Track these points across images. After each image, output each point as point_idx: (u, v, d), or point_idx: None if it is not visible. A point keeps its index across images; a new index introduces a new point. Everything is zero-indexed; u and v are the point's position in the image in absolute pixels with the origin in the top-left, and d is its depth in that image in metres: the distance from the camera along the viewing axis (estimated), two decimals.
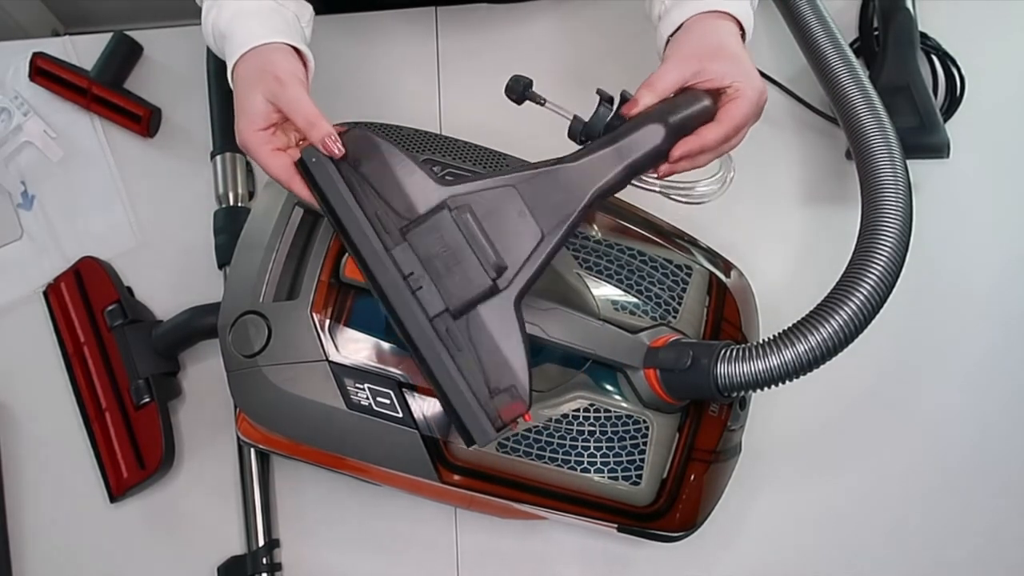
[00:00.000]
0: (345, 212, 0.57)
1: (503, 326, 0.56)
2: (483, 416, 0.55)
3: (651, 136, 0.57)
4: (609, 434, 0.61)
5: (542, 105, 0.61)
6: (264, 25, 0.61)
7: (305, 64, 0.63)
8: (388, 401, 0.61)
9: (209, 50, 0.86)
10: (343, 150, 0.57)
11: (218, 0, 0.63)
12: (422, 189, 0.57)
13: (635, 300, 0.65)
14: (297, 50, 0.62)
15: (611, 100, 0.60)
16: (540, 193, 0.57)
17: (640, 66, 0.83)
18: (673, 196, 0.64)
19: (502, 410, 0.55)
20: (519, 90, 0.61)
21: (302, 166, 0.58)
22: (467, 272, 0.56)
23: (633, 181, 0.59)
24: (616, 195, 0.70)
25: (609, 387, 0.62)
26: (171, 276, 0.82)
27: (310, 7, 0.66)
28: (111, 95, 0.85)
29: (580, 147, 0.59)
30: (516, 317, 0.56)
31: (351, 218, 0.57)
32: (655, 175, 0.60)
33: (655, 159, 0.58)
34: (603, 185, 0.57)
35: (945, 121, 0.81)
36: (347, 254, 0.62)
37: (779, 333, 0.54)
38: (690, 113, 0.59)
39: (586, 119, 0.60)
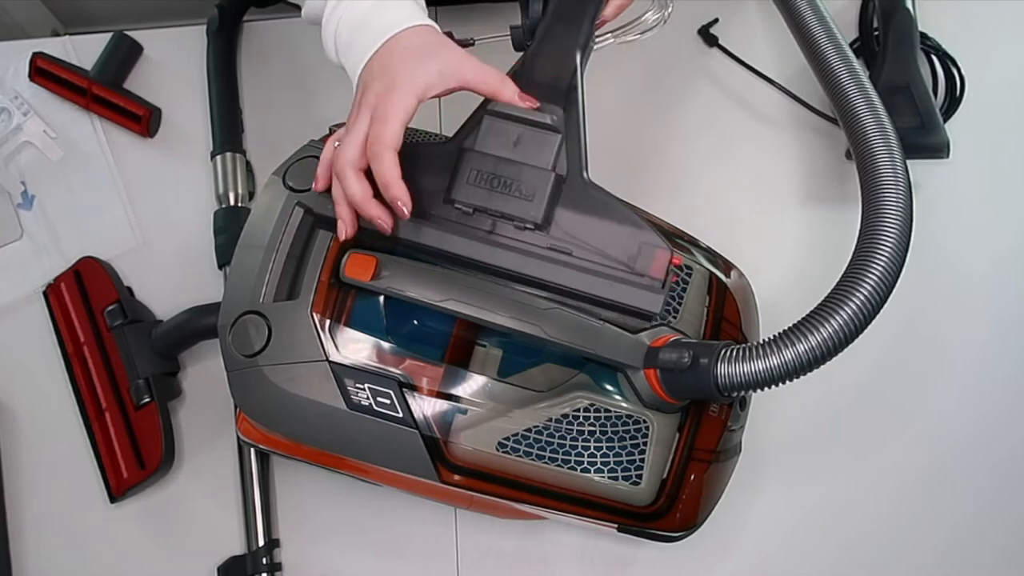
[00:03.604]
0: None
1: (592, 204, 0.56)
2: (638, 288, 0.55)
3: None
4: (609, 434, 0.61)
5: (473, 44, 0.63)
6: (415, 9, 0.61)
7: None
8: (388, 401, 0.61)
9: (209, 50, 0.86)
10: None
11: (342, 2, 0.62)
12: (437, 157, 0.58)
13: None
14: None
15: None
16: (533, 86, 0.58)
17: (638, 61, 0.83)
18: (627, 38, 0.66)
19: (651, 270, 0.55)
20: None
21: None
22: (526, 183, 0.56)
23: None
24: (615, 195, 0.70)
25: (609, 387, 0.62)
26: (171, 276, 0.82)
27: None
28: (111, 95, 0.85)
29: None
30: (594, 190, 0.57)
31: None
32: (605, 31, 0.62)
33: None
34: (581, 40, 0.59)
35: (945, 121, 0.81)
36: (347, 254, 0.62)
37: (779, 333, 0.54)
38: None
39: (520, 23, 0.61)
